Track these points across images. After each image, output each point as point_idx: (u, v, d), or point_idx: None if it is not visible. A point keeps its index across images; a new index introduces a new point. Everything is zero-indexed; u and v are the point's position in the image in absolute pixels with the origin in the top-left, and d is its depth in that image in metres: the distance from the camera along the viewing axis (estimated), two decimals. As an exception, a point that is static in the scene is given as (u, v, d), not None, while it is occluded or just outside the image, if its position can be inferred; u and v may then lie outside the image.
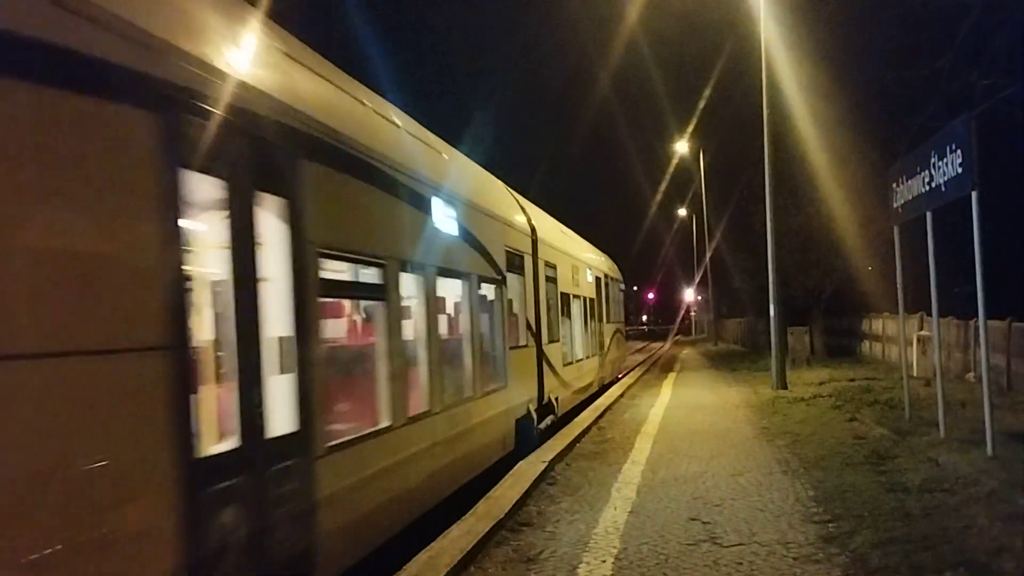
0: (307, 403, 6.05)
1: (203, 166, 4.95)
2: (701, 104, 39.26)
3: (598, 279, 24.27)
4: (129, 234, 4.32)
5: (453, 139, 11.64)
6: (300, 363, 6.02)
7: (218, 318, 5.48)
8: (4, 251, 3.68)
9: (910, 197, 12.94)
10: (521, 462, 11.31)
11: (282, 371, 5.88)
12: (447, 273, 10.03)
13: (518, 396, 13.22)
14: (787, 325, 25.99)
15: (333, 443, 6.51)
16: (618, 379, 28.32)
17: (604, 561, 7.13)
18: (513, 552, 7.56)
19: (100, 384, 4.08)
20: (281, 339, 5.89)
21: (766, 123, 21.61)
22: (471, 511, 8.69)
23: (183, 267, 4.64)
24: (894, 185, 13.80)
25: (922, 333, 20.78)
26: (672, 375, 29.90)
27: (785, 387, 21.56)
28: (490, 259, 11.99)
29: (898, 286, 14.71)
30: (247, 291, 5.38)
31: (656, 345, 67.50)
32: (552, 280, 16.98)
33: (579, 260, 21.09)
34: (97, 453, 4.00)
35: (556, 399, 16.37)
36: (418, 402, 8.78)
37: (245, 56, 5.75)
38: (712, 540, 7.64)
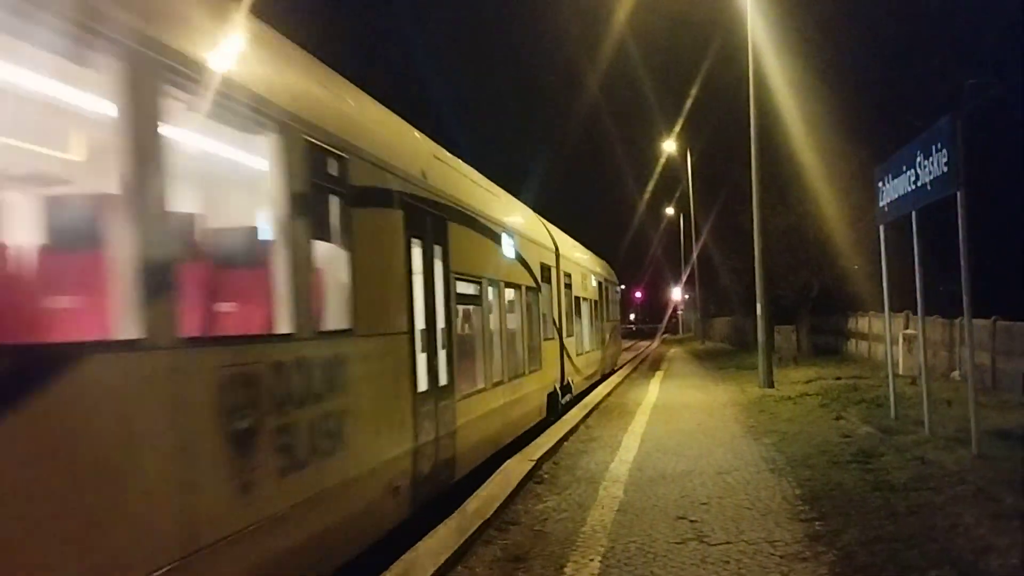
0: (452, 368, 9.93)
1: (416, 234, 8.82)
2: (689, 102, 39.35)
3: (599, 283, 27.71)
4: (400, 275, 8.28)
5: (446, 142, 12.05)
6: (449, 343, 9.90)
7: (422, 317, 9.02)
8: (375, 282, 7.69)
9: (896, 196, 12.99)
10: (509, 460, 11.32)
11: (441, 348, 9.59)
12: (509, 285, 13.86)
13: (549, 376, 17.31)
14: (774, 324, 26.08)
15: (462, 394, 10.32)
16: (615, 370, 30.93)
17: (591, 560, 7.13)
18: (501, 551, 7.55)
19: (397, 347, 8.08)
20: (441, 329, 9.68)
21: (753, 121, 21.67)
22: (459, 509, 8.68)
23: (412, 291, 8.58)
24: (880, 184, 13.86)
25: (908, 332, 20.89)
26: (660, 373, 29.98)
27: (772, 385, 21.64)
28: (532, 273, 15.81)
29: (884, 285, 14.77)
30: (432, 302, 9.33)
31: (644, 344, 67.61)
32: (568, 287, 20.63)
33: (586, 269, 24.72)
34: (400, 377, 8.16)
35: (571, 381, 20.12)
36: (497, 373, 12.55)
37: (433, 174, 9.72)
38: (699, 538, 7.66)
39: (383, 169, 7.88)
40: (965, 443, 11.04)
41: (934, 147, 11.15)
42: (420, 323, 8.86)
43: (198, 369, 4.69)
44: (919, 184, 11.83)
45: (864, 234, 24.56)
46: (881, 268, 14.74)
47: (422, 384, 8.68)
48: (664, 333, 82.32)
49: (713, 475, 10.56)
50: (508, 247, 13.65)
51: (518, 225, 14.96)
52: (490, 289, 12.23)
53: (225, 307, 5.66)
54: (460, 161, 12.32)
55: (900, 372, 19.63)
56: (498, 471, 10.69)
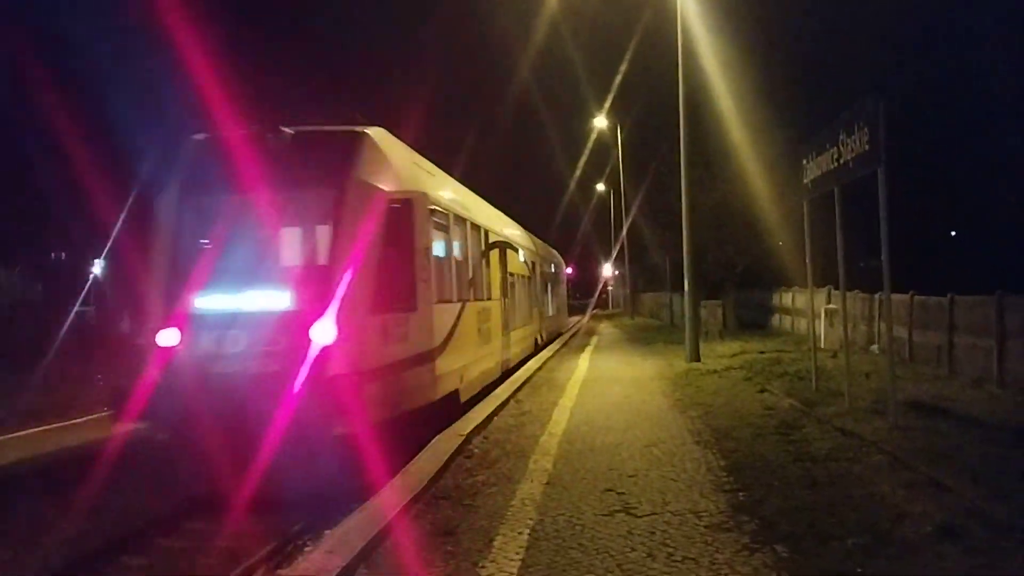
0: (508, 316, 20.53)
1: (501, 258, 20.11)
2: (619, 78, 39.39)
3: (555, 266, 39.10)
4: (496, 273, 18.95)
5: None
6: (509, 306, 20.94)
7: (499, 292, 19.26)
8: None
9: (819, 173, 13.23)
10: (438, 436, 11.30)
11: (507, 307, 20.47)
12: (524, 277, 24.85)
13: (534, 329, 27.88)
14: (701, 299, 26.38)
15: (509, 330, 20.70)
16: (561, 334, 39.62)
17: (520, 533, 7.16)
18: (430, 525, 7.54)
19: (497, 307, 18.89)
20: (507, 298, 20.60)
21: (681, 97, 21.79)
22: (388, 484, 8.64)
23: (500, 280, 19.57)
24: (804, 161, 14.09)
25: (829, 306, 21.39)
26: (589, 348, 30.22)
27: (698, 359, 22.01)
28: (529, 267, 26.32)
29: (807, 260, 15.07)
30: (504, 285, 20.08)
31: (575, 319, 67.83)
32: (542, 274, 30.99)
33: (547, 258, 35.12)
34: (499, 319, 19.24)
35: (542, 335, 30.35)
36: (519, 320, 23.25)
37: (496, 225, 20.35)
38: (626, 510, 7.75)
39: (492, 232, 18.22)
40: (882, 414, 11.37)
41: (856, 126, 11.36)
42: (501, 295, 19.36)
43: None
44: (842, 162, 12.06)
45: (790, 210, 25.05)
46: (805, 244, 15.03)
47: (504, 324, 19.66)
48: (594, 309, 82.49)
49: (640, 448, 10.70)
50: (523, 256, 24.19)
51: (523, 241, 25.60)
52: (519, 279, 23.51)
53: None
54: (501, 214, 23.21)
55: (823, 346, 20.13)
56: (428, 446, 10.67)
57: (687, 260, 22.23)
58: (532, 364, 22.62)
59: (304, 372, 9.09)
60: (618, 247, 63.17)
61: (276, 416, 8.64)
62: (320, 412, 8.97)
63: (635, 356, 25.69)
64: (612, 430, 12.11)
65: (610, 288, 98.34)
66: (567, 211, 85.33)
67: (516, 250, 22.51)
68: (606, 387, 17.56)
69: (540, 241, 33.96)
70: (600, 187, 71.23)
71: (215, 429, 8.78)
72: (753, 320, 33.90)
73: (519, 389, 17.06)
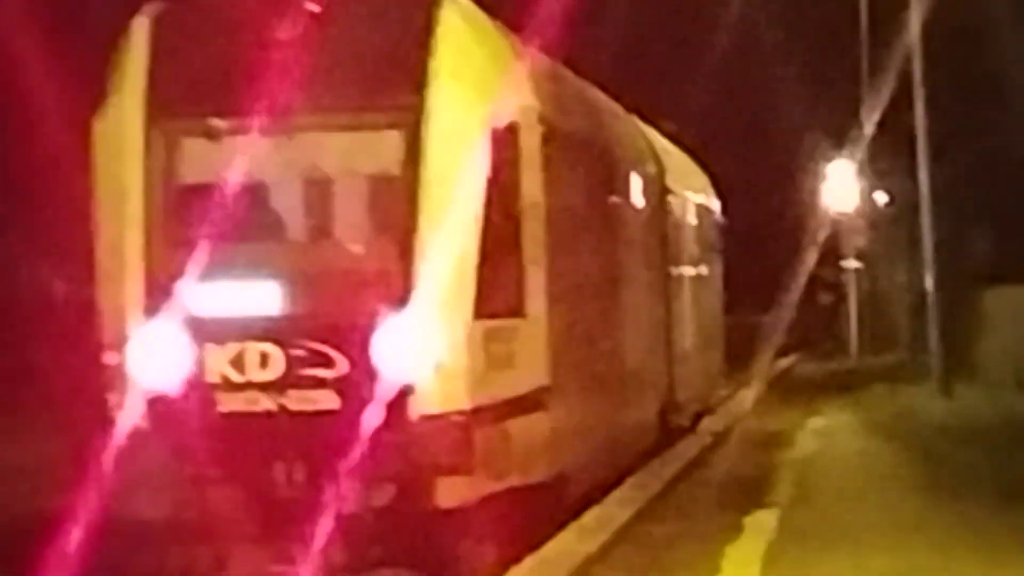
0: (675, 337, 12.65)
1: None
2: None
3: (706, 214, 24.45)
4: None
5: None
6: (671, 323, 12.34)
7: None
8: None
9: None
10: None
11: None
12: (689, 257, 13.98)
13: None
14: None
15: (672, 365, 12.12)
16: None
17: None
18: None
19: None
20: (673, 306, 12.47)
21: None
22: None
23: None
24: None
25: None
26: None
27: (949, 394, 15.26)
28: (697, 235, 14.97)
29: None
30: (669, 277, 12.59)
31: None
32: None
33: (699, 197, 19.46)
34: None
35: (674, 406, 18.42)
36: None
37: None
38: None
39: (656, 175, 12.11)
40: None
41: None
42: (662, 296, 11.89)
43: None
44: None
45: None
46: None
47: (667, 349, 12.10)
48: (784, 354, 25.51)
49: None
50: (693, 215, 14.53)
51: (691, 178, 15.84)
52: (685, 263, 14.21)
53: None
54: None
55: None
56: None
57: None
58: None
59: (375, 411, 5.83)
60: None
61: (330, 484, 5.78)
62: (401, 476, 6.00)
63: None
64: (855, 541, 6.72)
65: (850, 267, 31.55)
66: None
67: (691, 208, 14.17)
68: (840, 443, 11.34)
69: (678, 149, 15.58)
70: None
71: (232, 503, 5.94)
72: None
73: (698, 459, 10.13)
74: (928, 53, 17.62)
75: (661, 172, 12.13)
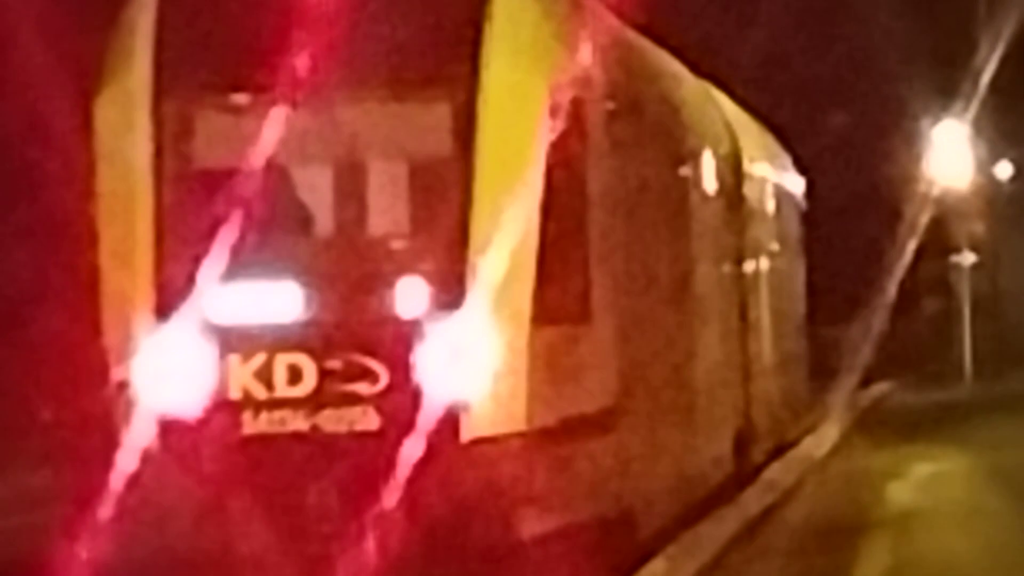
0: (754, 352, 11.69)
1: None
2: None
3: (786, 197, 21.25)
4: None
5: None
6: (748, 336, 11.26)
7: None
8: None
9: None
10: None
11: None
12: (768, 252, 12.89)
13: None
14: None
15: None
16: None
17: None
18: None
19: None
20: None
21: None
22: None
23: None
24: None
25: None
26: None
27: None
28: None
29: None
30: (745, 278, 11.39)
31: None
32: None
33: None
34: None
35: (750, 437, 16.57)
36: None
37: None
38: None
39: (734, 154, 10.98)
40: None
41: None
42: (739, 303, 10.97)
43: None
44: None
45: None
46: None
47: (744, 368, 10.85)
48: (878, 379, 19.86)
49: None
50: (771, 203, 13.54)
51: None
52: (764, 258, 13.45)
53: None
54: None
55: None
56: None
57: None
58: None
59: (422, 433, 5.37)
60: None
61: (372, 518, 5.25)
62: (449, 508, 5.41)
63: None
64: None
65: (963, 263, 24.00)
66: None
67: (770, 192, 12.88)
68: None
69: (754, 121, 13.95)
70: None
71: (258, 539, 5.30)
72: None
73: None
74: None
75: (737, 152, 11.02)
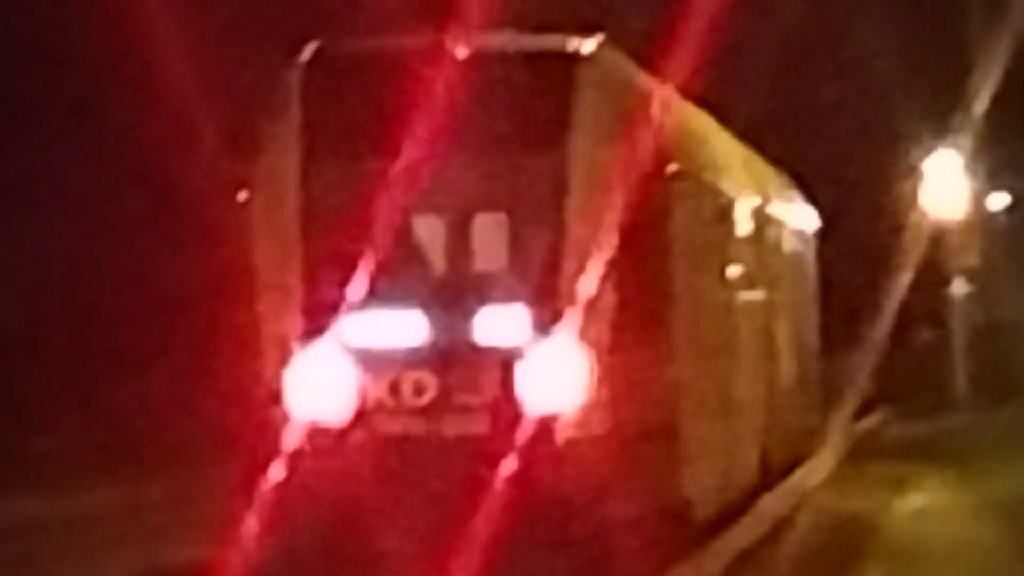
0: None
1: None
2: None
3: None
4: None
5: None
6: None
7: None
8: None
9: None
10: None
11: None
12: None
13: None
14: None
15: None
16: None
17: None
18: None
19: None
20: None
21: None
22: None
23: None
24: None
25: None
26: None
27: None
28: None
29: None
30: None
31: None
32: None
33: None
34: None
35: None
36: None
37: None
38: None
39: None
40: None
41: None
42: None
43: None
44: None
45: None
46: None
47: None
48: (871, 410, 19.43)
49: None
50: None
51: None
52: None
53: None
54: None
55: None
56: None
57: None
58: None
59: (524, 436, 6.15)
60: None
61: (482, 504, 5.91)
62: (545, 497, 6.12)
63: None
64: None
65: (957, 293, 23.24)
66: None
67: (790, 233, 13.54)
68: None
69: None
70: None
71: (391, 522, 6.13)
72: None
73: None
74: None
75: (765, 196, 12.04)
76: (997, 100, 16.99)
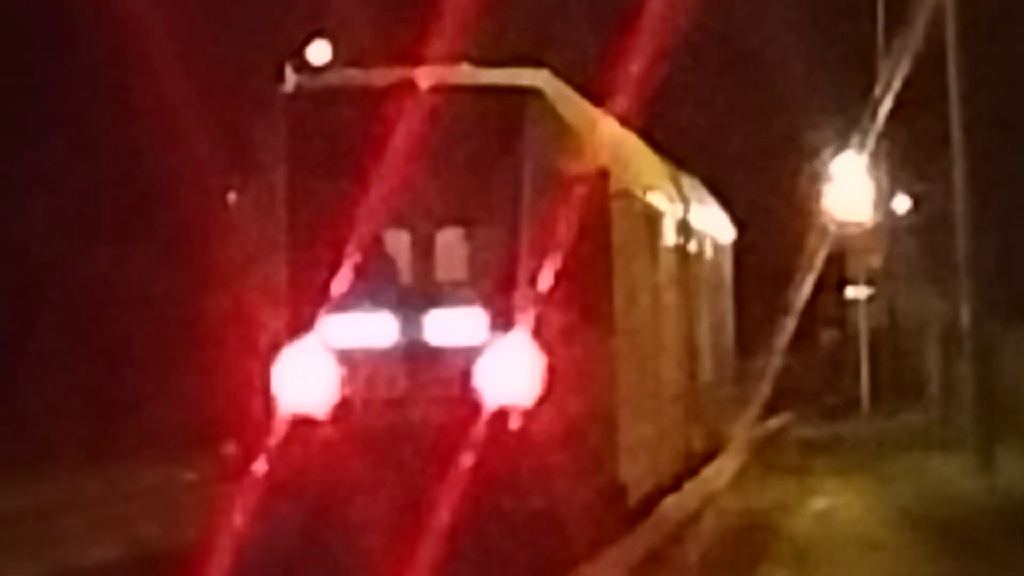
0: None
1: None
2: None
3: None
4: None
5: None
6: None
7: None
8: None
9: None
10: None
11: None
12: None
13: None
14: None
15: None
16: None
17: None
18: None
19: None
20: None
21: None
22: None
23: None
24: None
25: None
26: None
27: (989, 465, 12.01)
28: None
29: None
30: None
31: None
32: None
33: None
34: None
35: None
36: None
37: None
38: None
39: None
40: None
41: None
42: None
43: None
44: None
45: None
46: None
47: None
48: (776, 412, 18.86)
49: None
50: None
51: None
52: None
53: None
54: None
55: None
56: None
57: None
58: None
59: (483, 424, 6.88)
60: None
61: (446, 483, 6.53)
62: (502, 474, 6.84)
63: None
64: None
65: (859, 296, 24.23)
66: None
67: (709, 241, 14.10)
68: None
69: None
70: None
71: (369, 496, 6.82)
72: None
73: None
74: (965, 6, 12.54)
75: (686, 206, 12.76)
76: (900, 104, 17.01)
